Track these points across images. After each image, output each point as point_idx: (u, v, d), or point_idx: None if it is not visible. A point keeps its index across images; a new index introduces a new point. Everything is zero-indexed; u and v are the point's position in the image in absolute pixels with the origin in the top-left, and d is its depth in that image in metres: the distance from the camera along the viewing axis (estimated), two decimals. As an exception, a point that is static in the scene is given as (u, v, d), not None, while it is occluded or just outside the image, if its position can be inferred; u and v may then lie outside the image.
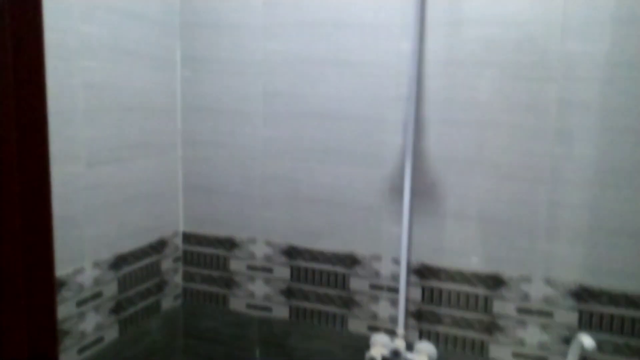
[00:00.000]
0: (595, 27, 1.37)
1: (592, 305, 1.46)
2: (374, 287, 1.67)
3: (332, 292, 1.72)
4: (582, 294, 1.46)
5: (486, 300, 1.55)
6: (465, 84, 1.49)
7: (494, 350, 1.56)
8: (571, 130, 1.42)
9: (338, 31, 1.60)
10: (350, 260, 1.68)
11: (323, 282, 1.73)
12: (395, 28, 1.54)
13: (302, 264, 1.74)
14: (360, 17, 1.57)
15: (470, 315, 1.57)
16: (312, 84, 1.65)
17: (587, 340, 1.33)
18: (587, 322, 1.47)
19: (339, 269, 1.70)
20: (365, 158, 1.63)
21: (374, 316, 1.68)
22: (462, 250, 1.56)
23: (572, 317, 1.48)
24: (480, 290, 1.55)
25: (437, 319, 1.61)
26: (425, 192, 1.57)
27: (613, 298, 1.43)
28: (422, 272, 1.60)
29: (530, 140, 1.46)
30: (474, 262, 1.55)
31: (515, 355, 1.54)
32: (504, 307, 1.54)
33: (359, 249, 1.67)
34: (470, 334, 1.58)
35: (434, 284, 1.60)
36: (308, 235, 1.72)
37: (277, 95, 1.70)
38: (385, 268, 1.65)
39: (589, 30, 1.37)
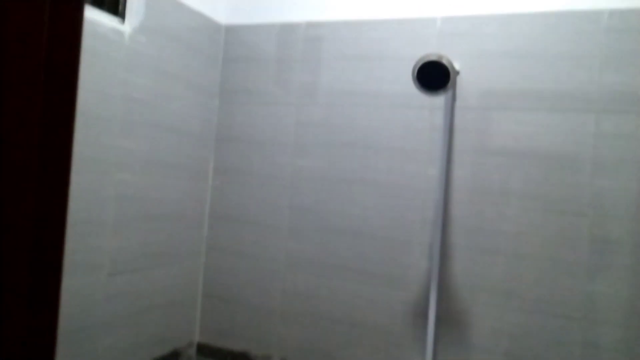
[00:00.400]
0: (625, 165, 1.36)
1: None
2: (393, 420, 1.56)
3: (348, 422, 1.61)
4: None
5: None
6: (493, 213, 1.48)
7: None
8: (604, 267, 1.37)
9: (367, 153, 1.64)
10: (370, 388, 1.59)
11: (339, 410, 1.62)
12: (423, 154, 1.57)
13: (319, 387, 1.65)
14: (390, 141, 1.61)
15: None
16: (339, 202, 1.66)
17: None
18: None
19: (357, 397, 1.60)
20: (388, 279, 1.59)
21: None
22: (490, 387, 1.46)
23: None
24: None
25: None
26: (451, 320, 1.51)
27: None
28: (446, 408, 1.50)
29: (561, 275, 1.41)
30: (502, 402, 1.44)
31: None
32: None
33: (379, 377, 1.58)
34: None
35: (459, 423, 1.48)
36: (325, 356, 1.65)
37: (303, 210, 1.71)
38: (406, 400, 1.54)
39: (620, 168, 1.37)
